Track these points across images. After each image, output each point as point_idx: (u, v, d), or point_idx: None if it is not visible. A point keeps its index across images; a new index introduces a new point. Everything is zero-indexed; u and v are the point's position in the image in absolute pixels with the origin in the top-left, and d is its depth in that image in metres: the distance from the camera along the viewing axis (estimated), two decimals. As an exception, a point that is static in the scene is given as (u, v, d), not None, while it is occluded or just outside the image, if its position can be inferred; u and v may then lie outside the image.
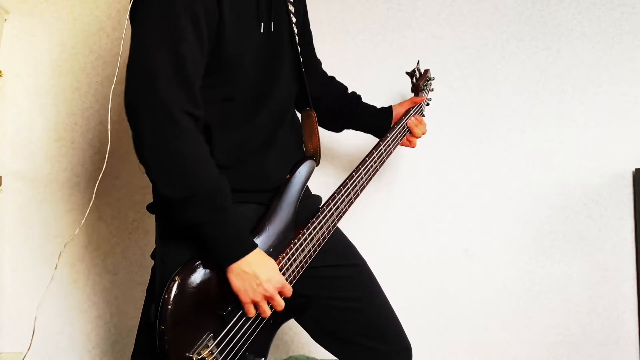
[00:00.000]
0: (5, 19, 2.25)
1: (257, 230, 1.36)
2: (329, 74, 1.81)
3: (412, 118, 1.77)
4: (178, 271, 1.24)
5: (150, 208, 1.41)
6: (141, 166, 1.28)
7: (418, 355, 1.70)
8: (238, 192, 1.33)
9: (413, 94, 1.88)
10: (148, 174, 1.27)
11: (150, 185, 1.34)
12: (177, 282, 1.22)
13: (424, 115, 1.87)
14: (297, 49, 1.50)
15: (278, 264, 1.35)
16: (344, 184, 1.52)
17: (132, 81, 1.24)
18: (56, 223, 2.28)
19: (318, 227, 1.45)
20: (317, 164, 1.52)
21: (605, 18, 2.25)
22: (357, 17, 2.29)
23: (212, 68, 1.31)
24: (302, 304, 1.43)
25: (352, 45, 2.29)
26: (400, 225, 2.28)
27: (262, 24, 1.38)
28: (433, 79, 1.99)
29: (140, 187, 2.26)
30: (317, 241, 1.45)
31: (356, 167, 1.56)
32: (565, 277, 2.23)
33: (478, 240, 2.26)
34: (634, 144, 2.22)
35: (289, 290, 1.35)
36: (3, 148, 2.26)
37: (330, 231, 1.49)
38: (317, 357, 2.13)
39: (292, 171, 1.45)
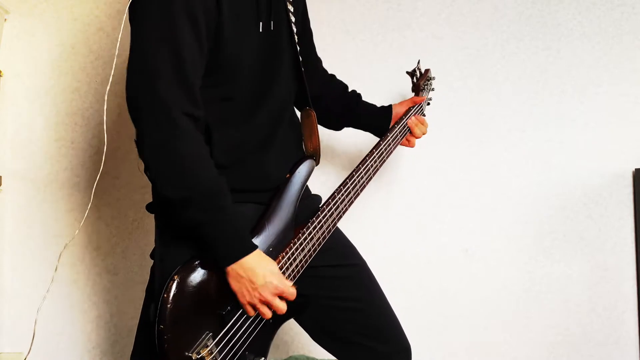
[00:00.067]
0: (5, 19, 2.25)
1: (257, 229, 1.36)
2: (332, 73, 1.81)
3: (412, 118, 1.76)
4: (177, 270, 1.24)
5: (149, 208, 1.41)
6: (140, 165, 1.29)
7: (418, 355, 1.70)
8: (238, 192, 1.33)
9: (413, 94, 1.88)
10: (148, 174, 1.27)
11: (150, 185, 1.34)
12: (176, 282, 1.22)
13: (424, 115, 1.87)
14: (297, 48, 1.50)
15: (278, 264, 1.34)
16: (344, 184, 1.52)
17: (132, 81, 1.25)
18: (56, 223, 2.28)
19: (318, 227, 1.45)
20: (317, 163, 1.52)
21: (605, 18, 2.25)
22: (357, 17, 2.29)
23: (211, 68, 1.31)
24: (302, 304, 1.43)
25: (352, 45, 2.29)
26: (400, 225, 2.28)
27: (261, 23, 1.38)
28: (434, 78, 1.99)
29: (140, 187, 2.26)
30: (317, 241, 1.45)
31: (356, 167, 1.56)
32: (565, 277, 2.23)
33: (478, 240, 2.26)
34: (634, 144, 2.22)
35: (291, 294, 1.34)
36: (3, 148, 2.27)
37: (330, 231, 1.49)
38: (317, 357, 2.13)
39: (292, 170, 1.45)
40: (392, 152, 1.69)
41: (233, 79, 1.35)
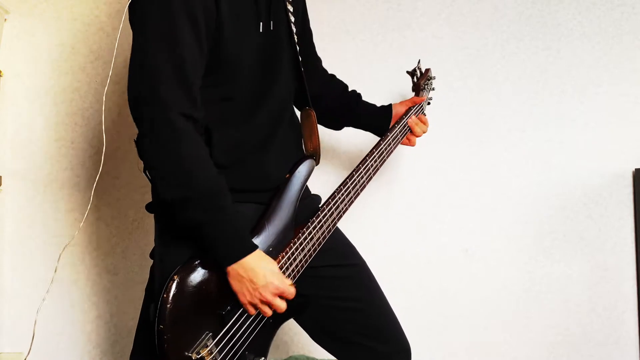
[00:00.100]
0: (5, 19, 2.25)
1: (257, 229, 1.36)
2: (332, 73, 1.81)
3: (413, 117, 1.76)
4: (177, 270, 1.24)
5: (149, 207, 1.41)
6: (140, 165, 1.29)
7: (418, 355, 1.70)
8: (238, 192, 1.33)
9: (414, 93, 1.88)
10: (148, 174, 1.27)
11: (150, 184, 1.34)
12: (176, 282, 1.22)
13: (425, 115, 1.87)
14: (296, 48, 1.50)
15: (277, 264, 1.35)
16: (344, 183, 1.52)
17: (133, 82, 1.25)
18: (56, 223, 2.28)
19: (318, 227, 1.45)
20: (317, 163, 1.52)
21: (605, 18, 2.25)
22: (357, 17, 2.29)
23: (210, 68, 1.31)
24: (302, 304, 1.43)
25: (352, 45, 2.29)
26: (400, 225, 2.28)
27: (261, 23, 1.38)
28: (434, 78, 1.98)
29: (140, 187, 2.26)
30: (317, 240, 1.45)
31: (356, 166, 1.56)
32: (565, 277, 2.23)
33: (478, 240, 2.26)
34: (634, 144, 2.22)
35: (291, 294, 1.34)
36: (3, 148, 2.27)
37: (330, 230, 1.49)
38: (317, 357, 2.13)
39: (292, 170, 1.45)
40: (392, 151, 1.69)
41: (233, 79, 1.35)
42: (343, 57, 2.28)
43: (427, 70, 1.96)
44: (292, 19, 1.49)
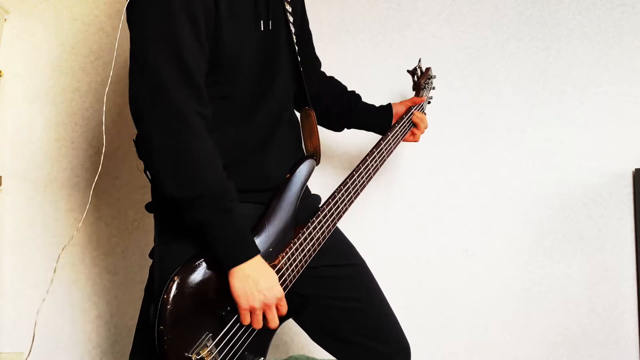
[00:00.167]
0: (5, 19, 2.25)
1: (257, 229, 1.36)
2: (329, 74, 1.81)
3: (417, 113, 1.78)
4: (177, 271, 1.23)
5: (149, 207, 1.40)
6: (140, 165, 1.28)
7: (418, 355, 1.70)
8: (237, 192, 1.32)
9: (414, 93, 1.89)
10: (154, 174, 1.26)
11: (149, 185, 1.34)
12: (176, 282, 1.22)
13: (425, 114, 1.87)
14: (295, 48, 1.50)
15: (278, 263, 1.35)
16: (344, 183, 1.52)
17: (136, 83, 1.24)
18: (56, 223, 2.28)
19: (318, 227, 1.45)
20: (317, 163, 1.52)
21: (605, 18, 2.25)
22: (357, 17, 2.29)
23: (210, 67, 1.31)
24: (301, 304, 1.43)
25: (352, 45, 2.29)
26: (400, 225, 2.28)
27: (260, 22, 1.38)
28: (434, 77, 1.99)
29: (140, 187, 2.26)
30: (317, 240, 1.45)
31: (356, 166, 1.56)
32: (565, 277, 2.23)
33: (478, 240, 2.26)
34: (634, 144, 2.22)
35: (284, 308, 1.34)
36: (3, 148, 2.27)
37: (330, 230, 1.48)
38: (317, 357, 2.13)
39: (292, 170, 1.45)
40: (392, 151, 1.69)
41: (232, 79, 1.35)
42: (343, 57, 2.28)
43: (428, 69, 1.96)
44: (291, 18, 1.49)
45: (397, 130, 1.71)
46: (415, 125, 1.79)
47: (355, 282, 1.57)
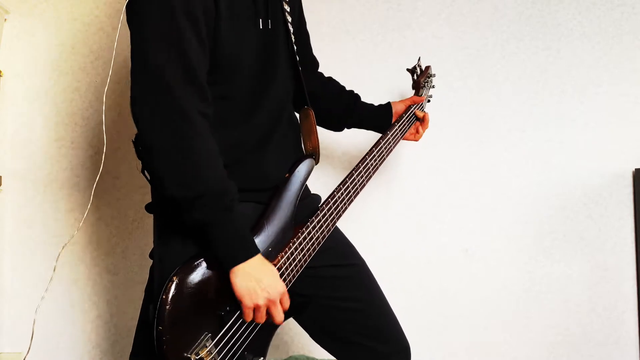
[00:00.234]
0: (5, 19, 2.26)
1: (256, 229, 1.36)
2: (329, 74, 1.81)
3: (418, 110, 1.78)
4: (176, 271, 1.23)
5: (148, 208, 1.40)
6: (138, 165, 1.28)
7: (418, 355, 1.70)
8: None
9: (414, 91, 1.89)
10: (153, 173, 1.26)
11: (149, 185, 1.34)
12: (175, 282, 1.22)
13: (425, 112, 1.87)
14: (294, 48, 1.50)
15: (277, 263, 1.35)
16: (343, 182, 1.52)
17: (139, 83, 1.24)
18: (56, 223, 2.28)
19: (317, 226, 1.45)
20: (317, 162, 1.52)
21: (605, 18, 2.25)
22: (357, 17, 2.29)
23: (210, 67, 1.31)
24: (302, 304, 1.43)
25: (352, 45, 2.29)
26: (400, 225, 2.28)
27: (259, 22, 1.38)
28: (434, 75, 1.99)
29: (140, 187, 2.26)
30: (316, 240, 1.45)
31: (356, 165, 1.56)
32: (565, 277, 2.23)
33: (478, 240, 2.26)
34: (634, 144, 2.22)
35: (286, 302, 1.35)
36: (3, 148, 2.27)
37: (330, 230, 1.48)
38: (317, 357, 2.13)
39: (291, 170, 1.45)
40: (392, 150, 1.69)
41: (231, 79, 1.35)
42: (343, 57, 2.28)
43: (427, 67, 1.96)
44: (289, 18, 1.49)
45: (396, 129, 1.71)
46: (418, 119, 1.80)
47: (355, 282, 1.57)
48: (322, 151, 1.58)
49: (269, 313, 1.32)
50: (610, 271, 2.22)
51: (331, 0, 2.29)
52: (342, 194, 1.51)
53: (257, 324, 1.36)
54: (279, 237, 1.39)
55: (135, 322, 1.51)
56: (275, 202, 1.40)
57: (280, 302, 1.33)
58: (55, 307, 2.26)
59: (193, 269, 1.26)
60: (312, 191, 1.60)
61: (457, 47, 2.28)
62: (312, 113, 1.55)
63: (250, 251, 1.28)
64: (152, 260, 1.40)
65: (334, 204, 1.48)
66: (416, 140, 1.85)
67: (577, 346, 2.22)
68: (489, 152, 2.27)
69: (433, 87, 1.98)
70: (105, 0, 2.29)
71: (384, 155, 1.65)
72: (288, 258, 1.37)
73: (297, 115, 1.59)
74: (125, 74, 1.27)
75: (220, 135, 1.33)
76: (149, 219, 1.44)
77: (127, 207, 2.29)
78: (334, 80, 1.79)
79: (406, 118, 1.76)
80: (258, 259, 1.29)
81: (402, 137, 1.77)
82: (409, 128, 1.79)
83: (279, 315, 1.33)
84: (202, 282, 1.27)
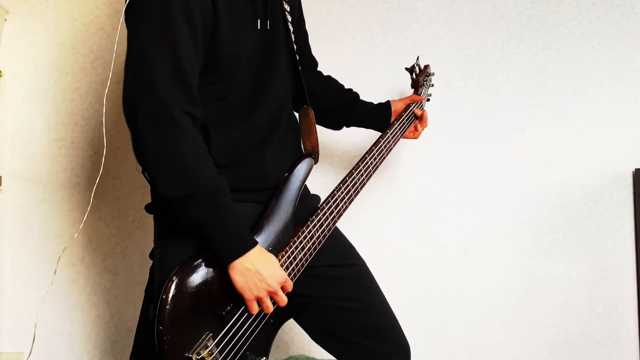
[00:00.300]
0: (5, 19, 2.25)
1: (256, 229, 1.36)
2: (330, 74, 1.81)
3: (417, 109, 1.78)
4: (176, 271, 1.24)
5: (148, 208, 1.41)
6: (138, 166, 1.29)
7: (418, 355, 1.70)
8: (236, 191, 1.33)
9: (413, 90, 1.89)
10: (147, 174, 1.27)
11: (149, 185, 1.34)
12: (175, 282, 1.22)
13: (424, 110, 1.87)
14: (293, 47, 1.50)
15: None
16: (343, 182, 1.52)
17: (130, 82, 1.25)
18: (56, 223, 2.28)
19: (318, 225, 1.45)
20: (316, 161, 1.52)
21: (605, 18, 2.25)
22: (357, 17, 2.29)
23: (208, 67, 1.31)
24: (302, 304, 1.43)
25: (352, 45, 2.29)
26: (400, 225, 2.28)
27: (258, 22, 1.38)
28: (433, 74, 1.99)
29: (140, 187, 2.26)
30: (317, 239, 1.45)
31: (355, 165, 1.56)
32: (565, 277, 2.23)
33: (478, 240, 2.26)
34: (634, 144, 2.22)
35: (290, 285, 1.35)
36: (3, 148, 2.26)
37: (330, 229, 1.49)
38: (317, 357, 2.13)
39: (291, 169, 1.45)
40: (392, 149, 1.69)
41: (231, 78, 1.36)
42: (343, 57, 2.28)
43: (426, 66, 1.96)
44: (289, 18, 1.49)
45: (396, 128, 1.71)
46: (417, 117, 1.80)
47: (355, 282, 1.57)
48: (322, 150, 1.58)
49: (273, 300, 1.33)
50: (610, 271, 2.22)
51: (331, 0, 2.29)
52: (342, 193, 1.51)
53: (259, 323, 1.37)
54: (279, 237, 1.39)
55: (135, 322, 1.51)
56: (275, 201, 1.41)
57: (283, 289, 1.34)
58: (55, 307, 2.26)
59: (193, 268, 1.26)
60: (312, 191, 1.60)
61: (457, 47, 2.28)
62: (311, 112, 1.55)
63: (247, 244, 1.29)
64: (152, 261, 1.40)
65: (334, 203, 1.49)
66: (415, 138, 1.85)
67: (577, 346, 2.22)
68: (489, 152, 2.26)
69: (432, 85, 1.98)
70: (105, 0, 2.29)
71: (384, 154, 1.65)
72: (289, 257, 1.38)
73: (297, 114, 1.59)
74: (126, 74, 1.27)
75: (220, 135, 1.34)
76: (149, 219, 1.44)
77: (127, 207, 2.29)
78: (333, 79, 1.79)
79: (405, 117, 1.76)
80: (256, 251, 1.29)
81: (402, 136, 1.77)
82: (408, 127, 1.79)
83: (282, 300, 1.34)
84: (203, 282, 1.27)
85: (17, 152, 2.28)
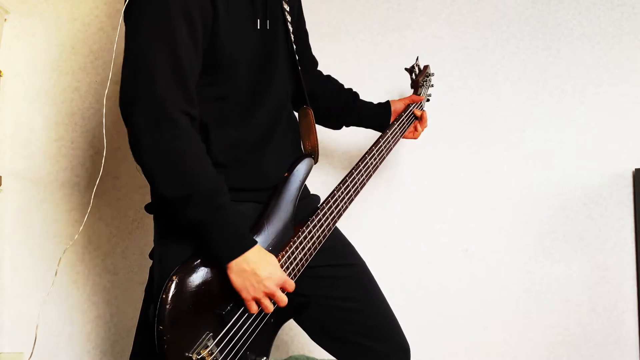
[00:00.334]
0: (5, 19, 2.25)
1: (256, 229, 1.36)
2: (330, 74, 1.81)
3: (417, 109, 1.78)
4: (176, 271, 1.24)
5: (148, 208, 1.41)
6: (138, 166, 1.29)
7: (418, 355, 1.70)
8: (236, 191, 1.33)
9: (412, 91, 1.89)
10: (145, 174, 1.27)
11: (149, 185, 1.34)
12: (174, 282, 1.22)
13: (424, 110, 1.87)
14: (293, 47, 1.50)
15: (278, 262, 1.35)
16: (343, 182, 1.52)
17: (129, 81, 1.24)
18: (56, 223, 2.28)
19: (318, 225, 1.45)
20: (316, 161, 1.52)
21: (605, 18, 2.25)
22: (357, 17, 2.29)
23: (208, 67, 1.31)
24: (301, 304, 1.43)
25: (352, 45, 2.29)
26: (400, 225, 2.28)
27: (258, 22, 1.38)
28: (433, 74, 1.99)
29: (140, 187, 2.26)
30: (317, 239, 1.45)
31: (355, 165, 1.56)
32: (565, 277, 2.23)
33: (478, 240, 2.26)
34: (634, 144, 2.22)
35: (290, 286, 1.35)
36: (3, 148, 2.26)
37: (330, 229, 1.49)
38: (317, 357, 2.13)
39: (290, 169, 1.45)
40: (392, 149, 1.69)
41: (230, 78, 1.36)
42: (343, 57, 2.28)
43: (426, 67, 1.96)
44: (289, 18, 1.49)
45: (396, 128, 1.71)
46: (417, 117, 1.80)
47: (354, 282, 1.57)
48: (321, 150, 1.58)
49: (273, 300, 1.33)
50: (610, 271, 2.22)
51: (331, 0, 2.29)
52: (342, 193, 1.51)
53: (259, 323, 1.36)
54: (279, 237, 1.39)
55: (135, 322, 1.51)
56: (274, 201, 1.40)
57: (284, 289, 1.34)
58: (55, 307, 2.26)
59: (193, 268, 1.26)
60: (312, 191, 1.60)
61: (457, 47, 2.28)
62: (311, 112, 1.55)
63: (246, 244, 1.29)
64: (152, 260, 1.40)
65: (334, 203, 1.49)
66: (415, 138, 1.85)
67: (577, 346, 2.22)
68: (489, 152, 2.26)
69: (432, 86, 1.98)
70: (105, 0, 2.29)
71: (383, 154, 1.65)
72: (289, 257, 1.38)
73: (296, 114, 1.59)
74: (126, 74, 1.27)
75: (219, 135, 1.34)
76: (149, 219, 1.44)
77: (127, 207, 2.29)
78: (333, 79, 1.79)
79: (405, 117, 1.76)
80: (255, 251, 1.29)
81: (402, 136, 1.78)
82: (408, 127, 1.79)
83: (281, 301, 1.33)
84: (202, 281, 1.27)
85: (17, 152, 2.28)
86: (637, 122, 2.23)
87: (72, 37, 2.29)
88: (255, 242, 1.30)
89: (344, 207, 1.52)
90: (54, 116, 2.29)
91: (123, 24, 1.31)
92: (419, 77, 1.89)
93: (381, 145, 1.63)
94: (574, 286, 2.23)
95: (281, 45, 1.46)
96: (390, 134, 1.68)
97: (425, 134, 1.87)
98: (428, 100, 1.95)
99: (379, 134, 1.69)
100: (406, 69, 1.92)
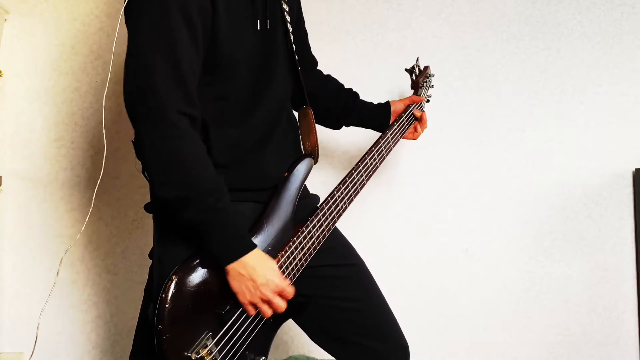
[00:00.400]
0: (5, 19, 2.26)
1: (256, 229, 1.36)
2: (330, 73, 1.81)
3: (417, 110, 1.78)
4: (175, 270, 1.24)
5: (148, 208, 1.41)
6: (138, 166, 1.29)
7: (418, 355, 1.70)
8: (236, 191, 1.33)
9: (412, 91, 1.89)
10: (147, 173, 1.27)
11: (149, 185, 1.34)
12: (174, 281, 1.22)
13: (424, 111, 1.87)
14: (292, 47, 1.50)
15: (277, 262, 1.34)
16: (343, 182, 1.52)
17: (130, 81, 1.25)
18: (56, 223, 2.28)
19: (317, 225, 1.45)
20: (316, 161, 1.52)
21: (605, 18, 2.25)
22: (357, 17, 2.29)
23: (208, 67, 1.31)
24: (301, 304, 1.43)
25: (352, 45, 2.29)
26: (400, 226, 2.28)
27: (258, 22, 1.38)
28: (433, 75, 1.99)
29: (140, 187, 2.26)
30: (316, 239, 1.44)
31: (355, 165, 1.56)
32: (565, 277, 2.23)
33: (478, 240, 2.26)
34: (634, 144, 2.22)
35: (289, 293, 1.34)
36: (3, 148, 2.27)
37: (330, 229, 1.48)
38: (316, 357, 2.13)
39: (290, 169, 1.45)
40: (392, 149, 1.69)
41: (230, 78, 1.36)
42: (343, 57, 2.28)
43: (426, 67, 1.96)
44: (288, 18, 1.49)
45: (396, 128, 1.71)
46: (417, 118, 1.80)
47: (353, 282, 1.57)
48: (321, 151, 1.58)
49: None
50: (610, 271, 2.22)
51: (331, 0, 2.29)
52: (342, 193, 1.51)
53: (258, 323, 1.36)
54: (278, 237, 1.39)
55: (135, 322, 1.51)
56: (274, 201, 1.40)
57: (282, 295, 1.33)
58: (55, 307, 2.26)
59: (192, 267, 1.26)
60: (312, 191, 1.60)
61: (457, 47, 2.28)
62: (310, 112, 1.55)
63: (245, 248, 1.28)
64: (151, 260, 1.40)
65: (333, 203, 1.48)
66: (415, 139, 1.85)
67: (577, 346, 2.22)
68: (489, 152, 2.26)
69: (432, 86, 1.98)
70: (105, 0, 2.29)
71: (383, 154, 1.65)
72: (288, 257, 1.37)
73: (296, 114, 1.59)
74: (126, 74, 1.27)
75: (219, 135, 1.34)
76: (149, 219, 1.44)
77: (127, 207, 2.29)
78: (333, 79, 1.79)
79: (405, 117, 1.76)
80: (255, 255, 1.29)
81: (402, 137, 1.77)
82: (408, 127, 1.79)
83: (279, 307, 1.32)
84: (202, 281, 1.27)
85: (17, 152, 2.28)
86: (637, 122, 2.23)
87: (72, 37, 2.29)
88: (254, 246, 1.30)
89: (344, 207, 1.52)
90: (54, 116, 2.29)
91: (122, 23, 1.31)
92: (419, 78, 1.89)
93: (381, 146, 1.63)
94: (574, 286, 2.23)
95: (281, 45, 1.46)
96: (390, 135, 1.68)
97: (425, 134, 1.87)
98: (428, 101, 1.95)
99: (379, 134, 1.69)
100: (406, 70, 1.92)
